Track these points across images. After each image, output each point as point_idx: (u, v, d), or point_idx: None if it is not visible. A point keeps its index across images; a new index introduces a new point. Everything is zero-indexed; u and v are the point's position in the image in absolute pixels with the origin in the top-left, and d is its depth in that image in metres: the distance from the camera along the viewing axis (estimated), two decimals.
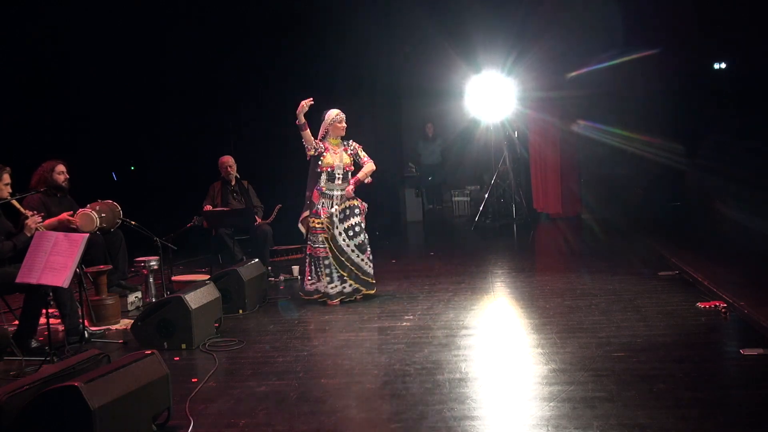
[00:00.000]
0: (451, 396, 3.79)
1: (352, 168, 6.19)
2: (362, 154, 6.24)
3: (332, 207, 6.06)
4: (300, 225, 6.32)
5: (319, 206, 6.08)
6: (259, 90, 11.38)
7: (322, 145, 6.09)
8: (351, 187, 6.12)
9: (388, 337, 5.01)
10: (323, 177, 6.09)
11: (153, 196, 10.69)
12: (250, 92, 11.42)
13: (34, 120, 9.85)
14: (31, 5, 9.58)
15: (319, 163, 6.06)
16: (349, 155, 6.17)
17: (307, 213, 6.20)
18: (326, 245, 6.03)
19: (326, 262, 6.04)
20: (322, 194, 6.10)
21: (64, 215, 5.93)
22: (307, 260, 6.18)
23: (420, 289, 6.52)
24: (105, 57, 10.34)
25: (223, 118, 11.53)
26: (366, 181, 6.19)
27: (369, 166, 6.20)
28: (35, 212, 5.22)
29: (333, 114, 6.14)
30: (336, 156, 6.09)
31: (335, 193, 6.10)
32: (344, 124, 6.15)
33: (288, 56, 11.21)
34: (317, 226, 6.06)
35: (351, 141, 6.24)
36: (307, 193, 6.23)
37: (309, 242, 6.16)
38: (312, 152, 6.06)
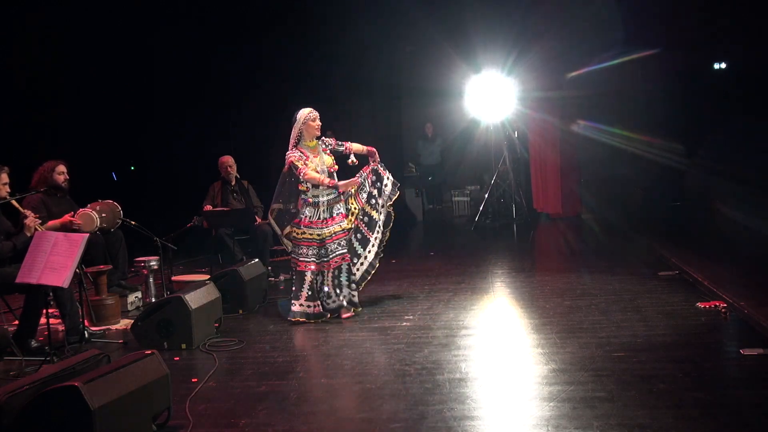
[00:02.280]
0: (451, 396, 3.79)
1: (336, 167, 5.73)
2: (341, 142, 5.81)
3: (317, 215, 5.58)
4: (284, 240, 5.80)
5: (302, 216, 5.60)
6: (259, 90, 11.39)
7: (303, 156, 5.53)
8: (375, 155, 5.84)
9: (388, 337, 5.01)
10: (305, 184, 5.56)
11: (153, 196, 10.70)
12: (249, 92, 11.43)
13: (33, 120, 9.86)
14: (31, 5, 9.58)
15: (295, 170, 5.50)
16: (329, 154, 5.70)
17: (288, 229, 5.71)
18: (311, 259, 5.60)
19: (308, 276, 5.59)
20: (307, 204, 5.59)
21: (67, 217, 5.94)
22: (294, 276, 5.70)
23: (420, 289, 6.51)
24: (105, 57, 10.35)
25: (223, 118, 11.54)
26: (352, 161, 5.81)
27: (357, 144, 5.86)
28: (32, 212, 5.23)
29: (305, 113, 5.58)
30: (316, 160, 5.58)
31: (321, 199, 5.59)
32: (318, 123, 5.61)
33: (288, 56, 11.23)
34: (298, 236, 5.62)
35: (323, 138, 5.74)
36: (283, 206, 5.67)
37: (293, 255, 5.69)
38: (303, 185, 5.54)
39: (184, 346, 4.96)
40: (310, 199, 5.59)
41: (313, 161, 5.56)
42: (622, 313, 5.25)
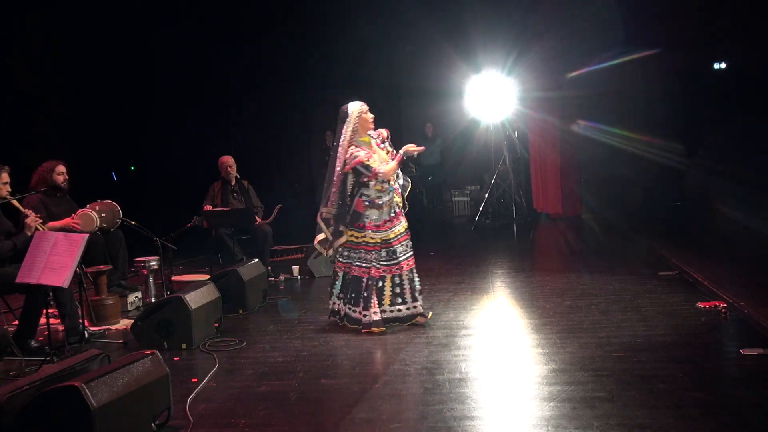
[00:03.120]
0: (451, 396, 3.79)
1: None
2: (377, 131, 5.32)
3: (381, 218, 5.15)
4: (325, 249, 5.31)
5: (366, 219, 5.14)
6: (259, 90, 11.40)
7: (368, 153, 5.08)
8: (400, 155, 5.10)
9: (389, 337, 5.01)
10: (371, 184, 5.10)
11: (153, 196, 10.70)
12: (249, 92, 11.44)
13: (33, 120, 9.86)
14: (31, 5, 9.58)
15: (368, 171, 5.03)
16: (383, 148, 5.25)
17: (331, 230, 5.25)
18: (372, 264, 5.14)
19: (365, 282, 5.14)
20: (372, 206, 5.15)
21: (68, 220, 5.94)
22: (339, 279, 5.28)
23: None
24: (105, 57, 10.35)
25: (223, 118, 11.55)
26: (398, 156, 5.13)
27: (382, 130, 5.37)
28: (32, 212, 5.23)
29: (358, 106, 5.18)
30: (375, 156, 5.12)
31: (385, 199, 5.17)
32: (371, 115, 5.20)
33: (288, 56, 11.24)
34: (358, 239, 5.19)
35: (369, 133, 5.25)
36: (336, 211, 5.21)
37: (341, 260, 5.24)
38: (375, 181, 5.08)
39: (184, 346, 4.96)
40: (377, 200, 5.15)
41: (373, 157, 5.11)
42: (622, 313, 5.25)
